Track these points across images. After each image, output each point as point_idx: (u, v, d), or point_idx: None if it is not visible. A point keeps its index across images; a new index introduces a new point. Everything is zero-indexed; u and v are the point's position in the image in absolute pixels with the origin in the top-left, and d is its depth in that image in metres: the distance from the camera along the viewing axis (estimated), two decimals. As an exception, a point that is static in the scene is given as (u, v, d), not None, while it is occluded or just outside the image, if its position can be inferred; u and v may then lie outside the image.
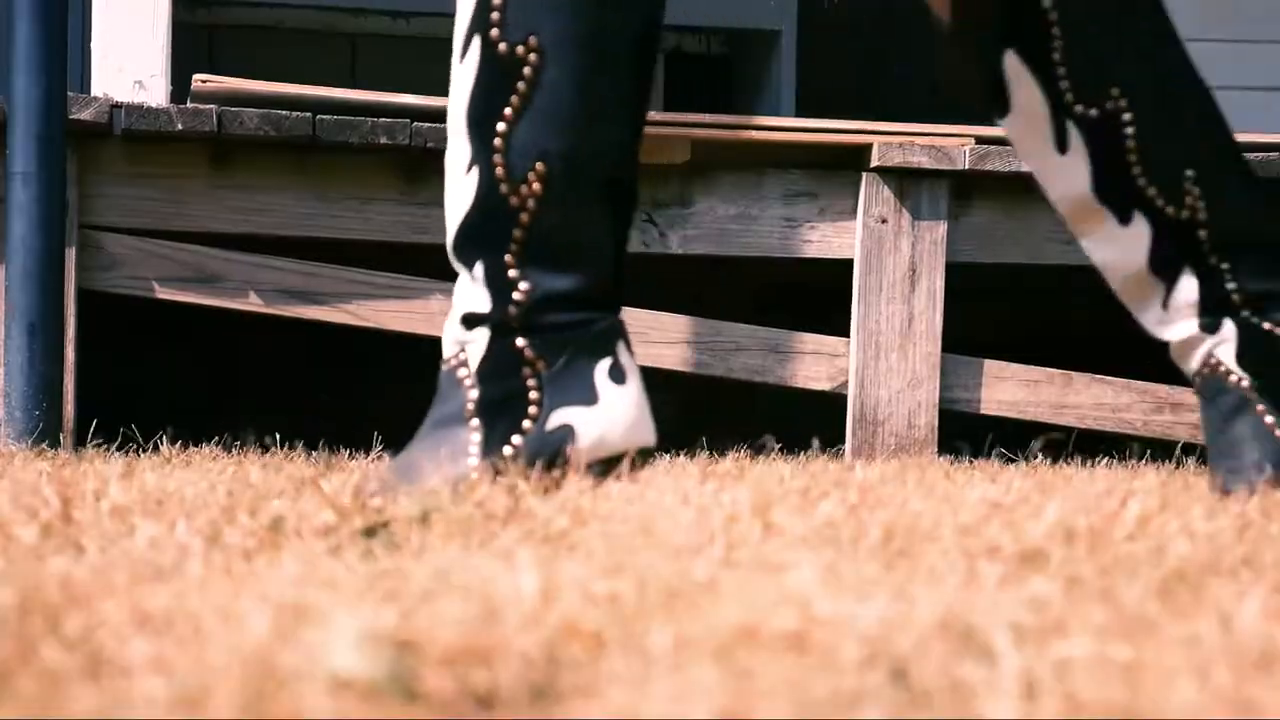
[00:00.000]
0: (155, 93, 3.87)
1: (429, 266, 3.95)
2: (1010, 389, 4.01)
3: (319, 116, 3.76)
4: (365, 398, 4.82)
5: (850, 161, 3.97)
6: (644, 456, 2.36)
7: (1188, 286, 2.45)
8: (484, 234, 2.31)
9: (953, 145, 3.93)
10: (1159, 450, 3.82)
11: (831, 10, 5.60)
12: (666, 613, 1.35)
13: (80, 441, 3.64)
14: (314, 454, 3.34)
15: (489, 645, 1.22)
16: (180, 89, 3.91)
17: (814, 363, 3.97)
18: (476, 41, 2.26)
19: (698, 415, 4.44)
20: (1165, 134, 2.43)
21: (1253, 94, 5.44)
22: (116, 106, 3.73)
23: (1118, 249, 2.45)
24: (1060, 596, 1.48)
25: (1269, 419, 2.42)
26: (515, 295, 2.31)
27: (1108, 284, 2.51)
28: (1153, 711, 1.13)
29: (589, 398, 2.32)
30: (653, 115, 4.14)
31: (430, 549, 1.78)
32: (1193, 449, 3.88)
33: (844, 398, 3.95)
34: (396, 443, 3.56)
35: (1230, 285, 2.45)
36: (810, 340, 3.98)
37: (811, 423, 3.75)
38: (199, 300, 3.81)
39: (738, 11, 5.22)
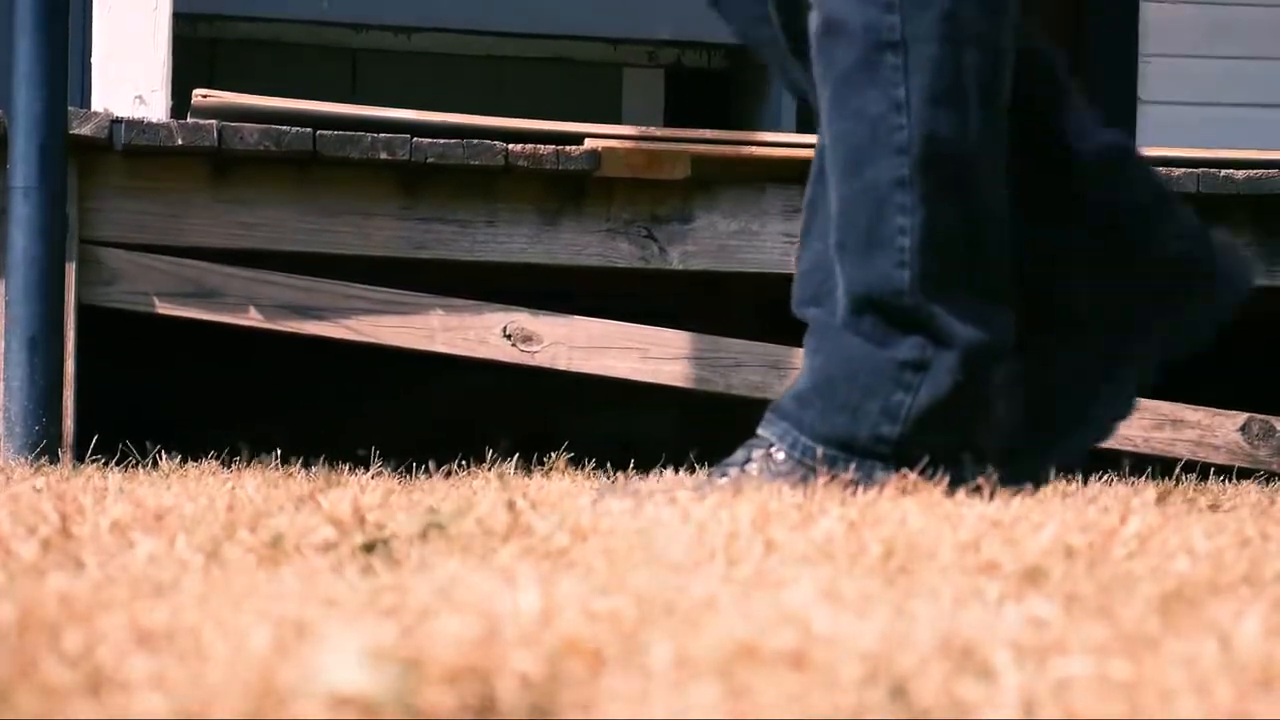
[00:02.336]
0: (156, 107, 3.88)
1: (428, 282, 3.95)
2: (1010, 405, 4.00)
3: (319, 131, 3.76)
4: (363, 409, 4.83)
5: (850, 177, 3.97)
6: None
7: None
8: None
9: (952, 161, 3.94)
10: (1159, 467, 3.82)
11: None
12: (666, 630, 1.35)
13: (80, 456, 3.64)
14: (313, 469, 3.34)
15: (489, 662, 1.22)
16: (181, 104, 3.91)
17: (814, 378, 3.97)
18: None
19: (698, 431, 4.44)
20: None
21: (1253, 111, 5.45)
22: (117, 121, 3.73)
23: None
24: (1060, 614, 1.48)
25: None
26: None
27: None
28: (1153, 730, 1.13)
29: None
30: (653, 130, 4.15)
31: (430, 565, 1.78)
32: (1193, 466, 3.88)
33: (843, 414, 3.95)
34: (393, 454, 3.56)
35: None
36: (810, 356, 3.98)
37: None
38: (198, 315, 3.82)
39: (738, 27, 5.21)
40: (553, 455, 3.61)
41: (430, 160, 3.78)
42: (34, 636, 1.33)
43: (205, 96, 3.79)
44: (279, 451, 3.49)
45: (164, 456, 3.52)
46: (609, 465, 3.59)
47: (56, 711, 1.15)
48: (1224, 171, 3.99)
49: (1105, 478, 3.55)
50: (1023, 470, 2.46)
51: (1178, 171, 3.96)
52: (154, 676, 1.23)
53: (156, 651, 1.31)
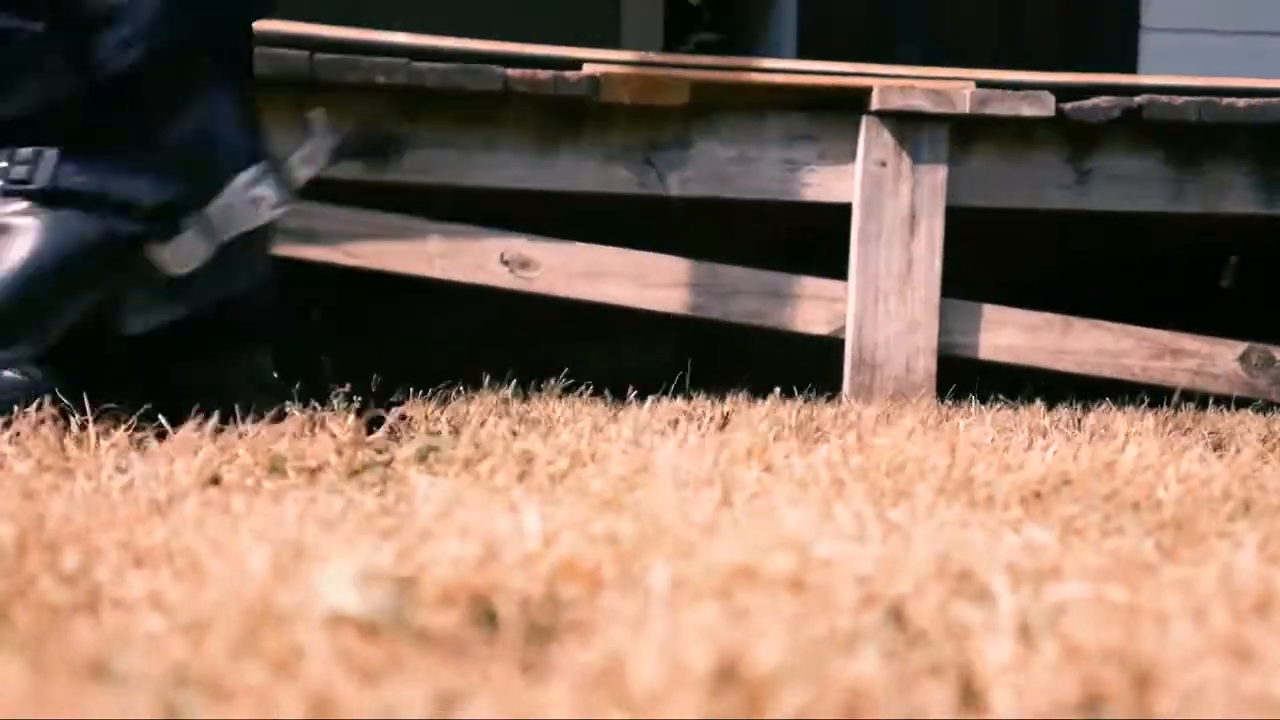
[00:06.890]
0: (153, 30, 3.85)
1: (428, 207, 3.94)
2: (1009, 334, 4.01)
3: (316, 55, 3.74)
4: (362, 337, 4.82)
5: (850, 104, 3.96)
6: None
7: None
8: None
9: (953, 89, 3.92)
10: (1158, 396, 3.82)
11: (833, -48, 5.57)
12: (665, 552, 1.36)
13: (78, 379, 3.64)
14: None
15: (487, 583, 1.22)
16: (178, 26, 3.88)
17: (813, 307, 3.97)
18: None
19: (696, 358, 4.44)
20: None
21: (1259, 39, 5.42)
22: (114, 43, 3.71)
23: None
24: (1057, 540, 1.48)
25: None
26: None
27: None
28: (1149, 654, 1.14)
29: None
30: (652, 56, 4.12)
31: (429, 489, 1.78)
32: (1191, 396, 3.88)
33: (842, 342, 3.95)
34: (393, 380, 3.56)
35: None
36: (809, 284, 3.97)
37: (809, 367, 3.75)
38: (197, 239, 3.80)
39: (739, -47, 5.19)
40: (551, 382, 3.62)
41: (430, 85, 3.77)
42: (33, 555, 1.33)
43: (203, 19, 3.77)
44: (276, 376, 3.49)
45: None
46: (606, 393, 3.59)
47: (54, 628, 1.15)
48: (1226, 100, 3.97)
49: (1104, 406, 3.55)
50: None
51: (1179, 100, 3.94)
52: (151, 595, 1.23)
53: (154, 571, 1.31)
